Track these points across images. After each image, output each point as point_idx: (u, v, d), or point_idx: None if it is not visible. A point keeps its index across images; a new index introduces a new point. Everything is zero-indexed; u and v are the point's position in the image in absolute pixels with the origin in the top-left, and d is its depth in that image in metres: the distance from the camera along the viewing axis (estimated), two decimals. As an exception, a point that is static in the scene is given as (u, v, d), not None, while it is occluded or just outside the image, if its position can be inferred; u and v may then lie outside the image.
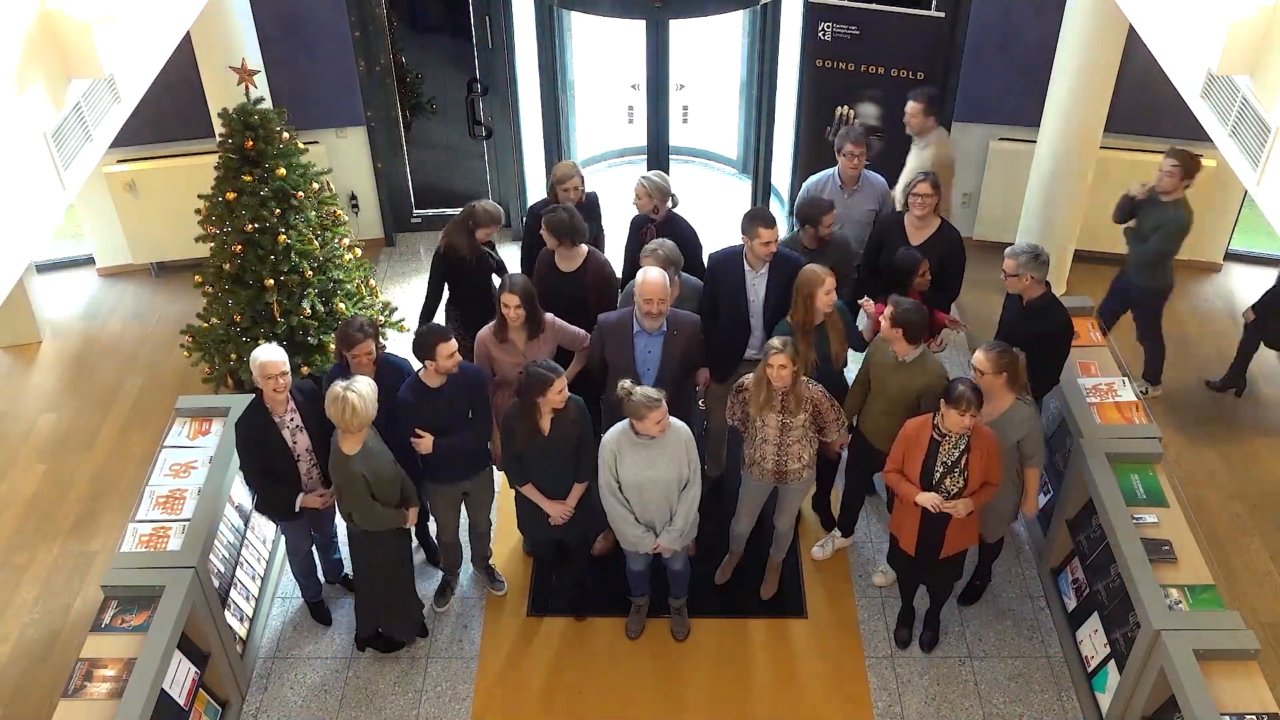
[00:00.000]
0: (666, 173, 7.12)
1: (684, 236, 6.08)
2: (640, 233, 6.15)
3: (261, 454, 5.08)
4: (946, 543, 5.10)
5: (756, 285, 5.68)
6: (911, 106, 6.69)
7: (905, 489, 5.02)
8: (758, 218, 5.53)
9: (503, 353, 5.44)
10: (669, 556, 5.33)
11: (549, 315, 5.50)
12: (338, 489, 4.99)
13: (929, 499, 4.93)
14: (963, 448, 4.84)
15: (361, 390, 4.73)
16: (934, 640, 5.68)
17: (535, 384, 4.85)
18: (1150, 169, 7.77)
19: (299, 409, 5.14)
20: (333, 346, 6.50)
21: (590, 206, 6.42)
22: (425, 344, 5.00)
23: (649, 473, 4.93)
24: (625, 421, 4.89)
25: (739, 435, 5.45)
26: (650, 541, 5.13)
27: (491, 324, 5.47)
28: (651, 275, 5.23)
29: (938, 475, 4.91)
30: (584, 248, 5.84)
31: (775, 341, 4.98)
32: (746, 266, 5.64)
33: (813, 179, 6.57)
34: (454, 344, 5.03)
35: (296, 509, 5.19)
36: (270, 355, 4.97)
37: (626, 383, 4.83)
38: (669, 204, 6.13)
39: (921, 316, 5.10)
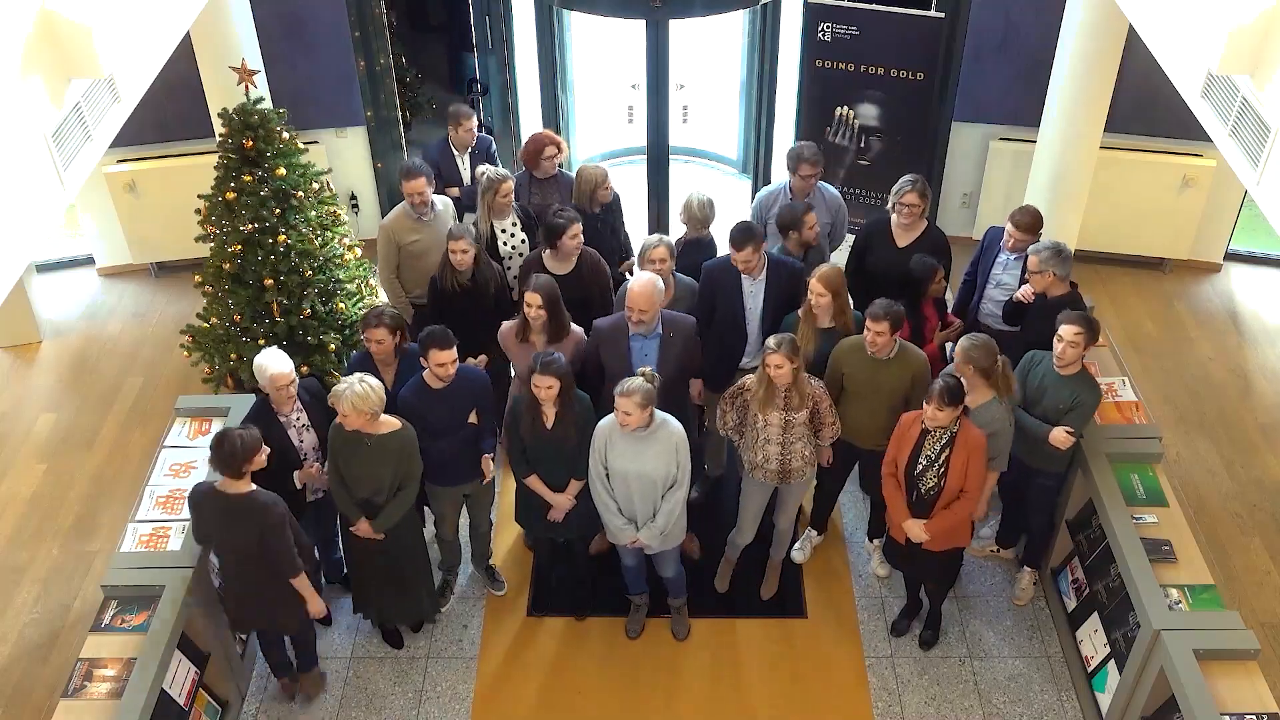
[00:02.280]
0: (667, 173, 7.12)
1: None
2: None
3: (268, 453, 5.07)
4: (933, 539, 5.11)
5: (754, 293, 5.67)
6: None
7: (893, 501, 5.09)
8: (729, 239, 5.55)
9: (521, 351, 5.44)
10: (650, 553, 5.33)
11: (577, 329, 5.50)
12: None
13: (911, 528, 5.02)
14: (945, 441, 4.85)
15: (369, 381, 4.79)
16: (933, 639, 5.68)
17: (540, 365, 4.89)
18: (1150, 169, 7.86)
19: (306, 409, 5.15)
20: (332, 347, 6.54)
21: (612, 210, 6.39)
22: (422, 344, 5.02)
23: (635, 465, 4.93)
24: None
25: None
26: (630, 534, 5.13)
27: (514, 322, 5.49)
28: (637, 284, 5.20)
29: (920, 467, 4.93)
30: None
31: (771, 341, 4.99)
32: (743, 275, 5.63)
33: (764, 191, 6.51)
34: (449, 354, 4.99)
35: (298, 485, 5.17)
36: (279, 366, 4.97)
37: (648, 370, 4.87)
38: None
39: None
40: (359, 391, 4.71)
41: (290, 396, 5.03)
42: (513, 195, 6.17)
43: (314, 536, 5.55)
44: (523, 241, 6.20)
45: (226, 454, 4.56)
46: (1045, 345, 5.24)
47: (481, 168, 6.35)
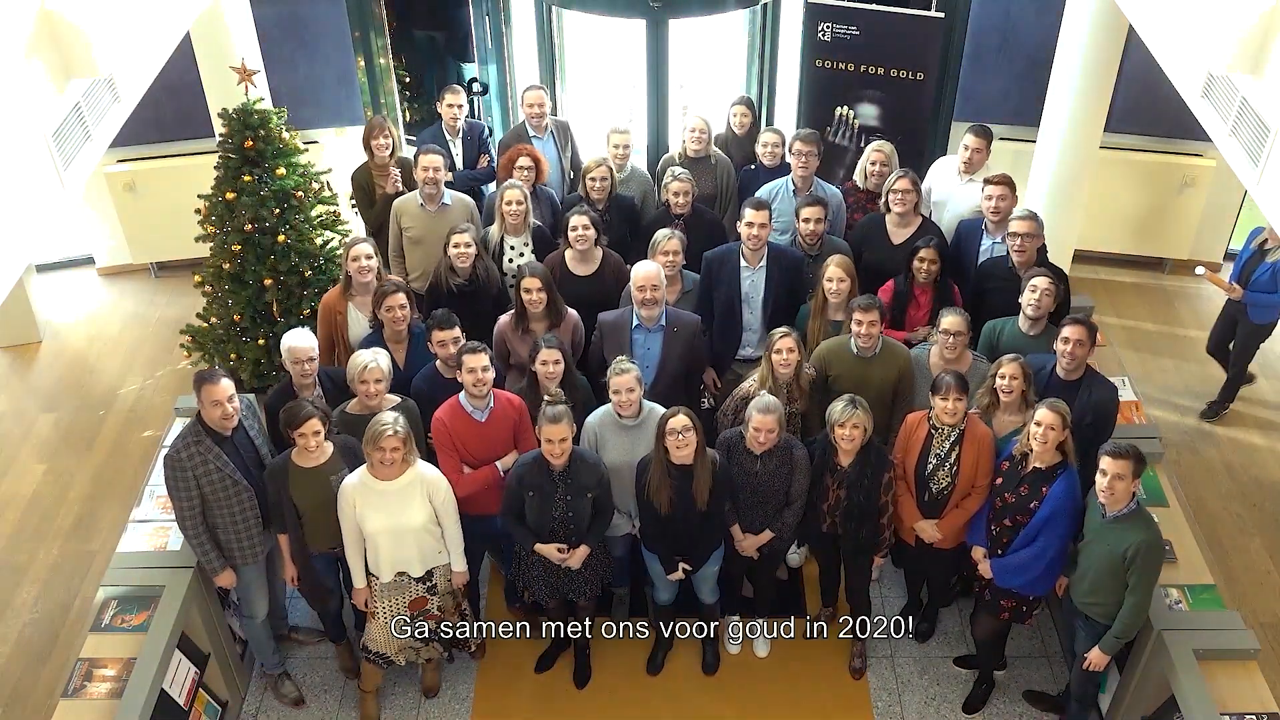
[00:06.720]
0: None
1: (711, 224, 6.17)
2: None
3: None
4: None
5: (755, 281, 5.68)
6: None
7: (904, 503, 5.07)
8: (747, 202, 5.61)
9: (521, 343, 5.42)
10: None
11: (572, 313, 5.51)
12: None
13: (925, 529, 5.02)
14: (954, 439, 4.86)
15: (376, 350, 5.01)
16: (930, 632, 5.69)
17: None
18: (1150, 169, 7.86)
19: (325, 396, 5.17)
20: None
21: (627, 208, 6.34)
22: (427, 326, 5.12)
23: (628, 457, 4.94)
24: (609, 405, 4.93)
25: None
26: (628, 525, 5.13)
27: (510, 314, 5.48)
28: (640, 267, 5.28)
29: (930, 467, 4.93)
30: (599, 250, 5.82)
31: (778, 331, 5.05)
32: (743, 263, 5.64)
33: (765, 187, 6.47)
34: (451, 334, 5.07)
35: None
36: (299, 340, 5.05)
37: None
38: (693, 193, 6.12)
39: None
40: (384, 353, 4.96)
41: (307, 374, 5.06)
42: (524, 214, 5.97)
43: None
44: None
45: None
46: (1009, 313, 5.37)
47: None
